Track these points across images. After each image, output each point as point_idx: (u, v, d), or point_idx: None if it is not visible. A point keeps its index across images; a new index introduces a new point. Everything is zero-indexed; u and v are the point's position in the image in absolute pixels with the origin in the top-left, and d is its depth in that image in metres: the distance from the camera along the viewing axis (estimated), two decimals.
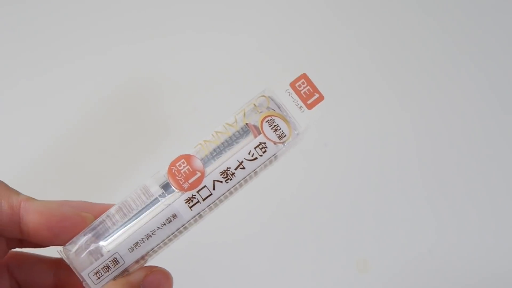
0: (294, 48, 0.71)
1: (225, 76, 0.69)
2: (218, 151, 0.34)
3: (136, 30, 0.72)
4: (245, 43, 0.72)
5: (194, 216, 0.33)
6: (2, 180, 0.34)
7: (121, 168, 0.65)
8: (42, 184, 0.63)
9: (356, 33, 0.72)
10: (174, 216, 0.33)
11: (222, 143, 0.34)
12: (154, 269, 0.34)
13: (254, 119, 0.34)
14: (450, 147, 0.67)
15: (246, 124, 0.34)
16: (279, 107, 0.34)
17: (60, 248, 0.33)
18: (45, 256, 0.37)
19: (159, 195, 0.33)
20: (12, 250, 0.36)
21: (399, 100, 0.69)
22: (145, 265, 0.34)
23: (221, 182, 0.33)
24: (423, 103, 0.69)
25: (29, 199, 0.33)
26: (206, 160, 0.33)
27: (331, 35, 0.72)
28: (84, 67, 0.70)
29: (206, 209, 0.33)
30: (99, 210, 0.35)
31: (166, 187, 0.33)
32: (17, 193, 0.33)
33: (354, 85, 0.69)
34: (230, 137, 0.34)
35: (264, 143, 0.33)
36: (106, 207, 0.36)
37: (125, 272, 0.33)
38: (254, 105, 0.34)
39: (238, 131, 0.34)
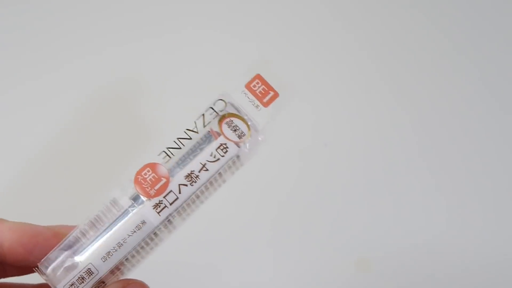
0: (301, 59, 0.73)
1: (203, 79, 0.70)
2: (183, 159, 0.35)
3: (126, 31, 0.74)
4: (225, 43, 0.73)
5: (163, 221, 0.34)
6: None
7: (109, 170, 0.65)
8: (26, 189, 0.63)
9: (355, 34, 0.74)
10: (143, 222, 0.33)
11: (187, 152, 0.35)
12: (131, 281, 0.35)
13: (214, 123, 0.35)
14: (450, 147, 0.67)
15: (209, 131, 0.35)
16: (236, 109, 0.35)
17: (37, 265, 0.34)
18: (27, 284, 0.38)
19: (129, 206, 0.34)
20: None
21: (399, 100, 0.70)
22: (122, 277, 0.35)
23: (186, 185, 0.34)
24: (422, 103, 0.70)
25: (2, 220, 0.34)
26: (172, 169, 0.34)
27: (329, 34, 0.74)
28: (74, 69, 0.71)
29: (174, 213, 0.34)
30: None
31: (135, 198, 0.34)
32: None
33: (354, 85, 0.71)
34: (194, 145, 0.35)
35: (225, 144, 0.34)
36: None
37: (101, 284, 0.34)
38: (212, 109, 0.35)
39: (201, 138, 0.35)
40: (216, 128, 0.35)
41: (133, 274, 0.36)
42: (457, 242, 0.63)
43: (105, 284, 0.34)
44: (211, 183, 0.34)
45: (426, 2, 0.76)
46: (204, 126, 0.35)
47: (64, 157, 0.67)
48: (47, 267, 0.33)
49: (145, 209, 0.33)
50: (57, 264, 0.34)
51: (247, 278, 0.62)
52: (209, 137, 0.35)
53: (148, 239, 0.34)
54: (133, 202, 0.34)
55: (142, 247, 0.34)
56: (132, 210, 0.34)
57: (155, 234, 0.34)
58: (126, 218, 0.34)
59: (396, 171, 0.67)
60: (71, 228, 0.36)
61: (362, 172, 0.67)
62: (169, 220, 0.34)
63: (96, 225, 0.34)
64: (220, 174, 0.34)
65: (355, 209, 0.65)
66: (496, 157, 0.67)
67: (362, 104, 0.70)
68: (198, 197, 0.34)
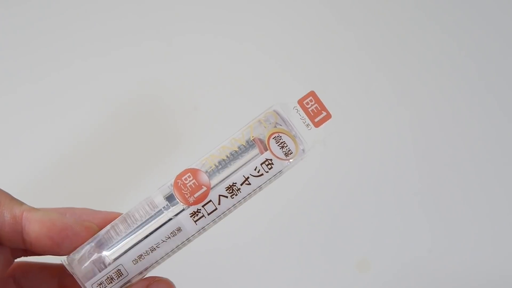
0: (303, 59, 0.71)
1: (235, 83, 0.70)
2: (223, 164, 0.34)
3: (141, 34, 0.73)
4: (254, 49, 0.72)
5: (199, 230, 0.33)
6: (6, 190, 0.34)
7: (129, 175, 0.65)
8: (49, 193, 0.63)
9: (357, 36, 0.73)
10: (179, 229, 0.33)
11: (228, 157, 0.34)
12: (157, 279, 0.34)
13: (261, 135, 0.34)
14: (450, 149, 0.67)
15: (253, 139, 0.34)
16: (286, 124, 0.34)
17: (64, 257, 0.33)
18: (49, 263, 0.38)
19: (163, 207, 0.33)
20: (17, 260, 0.36)
21: (400, 102, 0.69)
22: (147, 275, 0.35)
23: (227, 197, 0.33)
24: (423, 108, 0.69)
25: (31, 209, 0.33)
26: (211, 173, 0.33)
27: (334, 40, 0.73)
28: (89, 72, 0.71)
29: (211, 223, 0.33)
30: (102, 217, 0.35)
31: (170, 198, 0.33)
32: (20, 203, 0.33)
33: (354, 85, 0.70)
34: (236, 151, 0.34)
35: (271, 160, 0.33)
36: (109, 214, 0.36)
37: (127, 283, 0.33)
38: (262, 120, 0.34)
39: (243, 145, 0.34)
40: (260, 137, 0.34)
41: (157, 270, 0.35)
42: (457, 241, 0.64)
43: (131, 283, 0.33)
44: (250, 195, 0.34)
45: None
46: (252, 138, 0.34)
47: (95, 157, 0.67)
48: (75, 263, 0.33)
49: (182, 216, 0.33)
50: (84, 258, 0.33)
51: (247, 279, 0.63)
52: (252, 144, 0.34)
53: (181, 245, 0.33)
54: (167, 202, 0.33)
55: (173, 252, 0.33)
56: (165, 211, 0.33)
57: (188, 240, 0.33)
58: (161, 221, 0.33)
59: (398, 171, 0.67)
60: (101, 214, 0.35)
61: (362, 172, 0.66)
62: (204, 228, 0.33)
63: (128, 221, 0.34)
64: (260, 187, 0.34)
65: (355, 209, 0.65)
66: (495, 158, 0.68)
67: (362, 104, 0.69)
68: (236, 207, 0.34)
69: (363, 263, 0.62)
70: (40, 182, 0.64)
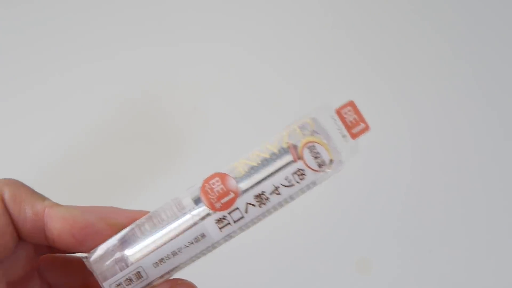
0: (302, 60, 0.71)
1: (235, 83, 0.69)
2: (254, 171, 0.32)
3: (149, 37, 0.73)
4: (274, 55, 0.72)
5: (224, 237, 0.32)
6: (27, 184, 0.33)
7: (128, 175, 0.65)
8: (62, 191, 0.64)
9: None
10: (203, 235, 0.32)
11: (259, 163, 0.32)
12: (179, 281, 0.33)
13: (296, 142, 0.32)
14: (450, 150, 0.66)
15: (287, 147, 0.32)
16: (323, 133, 0.32)
17: (85, 254, 0.33)
18: (75, 256, 0.37)
19: (190, 209, 0.32)
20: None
21: (400, 102, 0.69)
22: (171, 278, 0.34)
23: (254, 205, 0.32)
24: (424, 109, 0.68)
25: (54, 205, 0.32)
26: (240, 180, 0.32)
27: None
28: (96, 71, 0.71)
29: (237, 230, 0.32)
30: (129, 216, 0.34)
31: (198, 201, 0.32)
32: (43, 198, 0.32)
33: (356, 87, 0.69)
34: (268, 158, 0.32)
35: (303, 170, 0.32)
36: (137, 214, 0.35)
37: (147, 286, 0.32)
38: (298, 127, 0.32)
39: (276, 152, 0.32)
40: (295, 143, 0.32)
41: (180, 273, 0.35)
42: (458, 241, 0.63)
43: (153, 286, 0.33)
44: (280, 205, 0.32)
45: None
46: (286, 145, 0.32)
47: (94, 157, 0.67)
48: (96, 261, 0.32)
49: (207, 222, 0.32)
50: (106, 256, 0.32)
51: (245, 277, 0.62)
52: (285, 153, 0.32)
53: (205, 251, 0.32)
54: (195, 205, 0.32)
55: (197, 257, 0.32)
56: (191, 214, 0.32)
57: (213, 247, 0.32)
58: (186, 224, 0.32)
59: (397, 171, 0.66)
60: (127, 213, 0.34)
61: (363, 172, 0.65)
62: (230, 235, 0.32)
63: (154, 220, 0.33)
64: (291, 197, 0.32)
65: (355, 209, 0.64)
66: (495, 158, 0.67)
67: (365, 105, 0.67)
68: (264, 216, 0.32)
69: (363, 263, 0.61)
70: (41, 182, 0.65)
